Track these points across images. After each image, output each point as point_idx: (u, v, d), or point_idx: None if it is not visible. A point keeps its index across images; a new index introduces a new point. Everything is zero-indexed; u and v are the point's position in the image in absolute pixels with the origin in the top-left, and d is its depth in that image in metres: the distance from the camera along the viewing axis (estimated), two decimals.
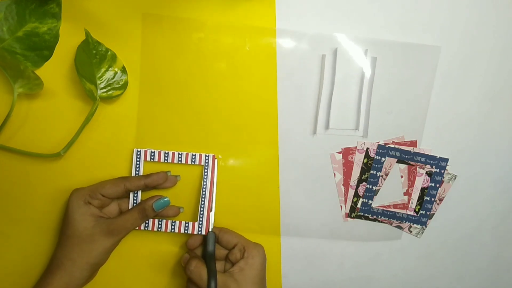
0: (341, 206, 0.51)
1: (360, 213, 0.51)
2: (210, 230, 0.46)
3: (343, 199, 0.51)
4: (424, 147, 0.50)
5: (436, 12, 0.48)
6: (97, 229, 0.42)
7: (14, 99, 0.43)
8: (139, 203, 0.45)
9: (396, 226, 0.52)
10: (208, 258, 0.44)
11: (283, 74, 0.47)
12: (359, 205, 0.51)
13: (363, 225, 0.52)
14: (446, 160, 0.50)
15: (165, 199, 0.44)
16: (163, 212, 0.46)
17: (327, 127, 0.49)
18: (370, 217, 0.51)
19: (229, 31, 0.46)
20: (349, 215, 0.51)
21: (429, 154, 0.50)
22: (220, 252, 0.47)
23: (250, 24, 0.46)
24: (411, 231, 0.52)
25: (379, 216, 0.51)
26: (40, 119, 0.46)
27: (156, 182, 0.45)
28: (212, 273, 0.42)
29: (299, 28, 0.47)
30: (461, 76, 0.49)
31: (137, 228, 0.46)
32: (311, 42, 0.47)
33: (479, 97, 0.50)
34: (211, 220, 0.46)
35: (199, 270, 0.43)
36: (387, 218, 0.51)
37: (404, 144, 0.50)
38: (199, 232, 0.47)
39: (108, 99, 0.45)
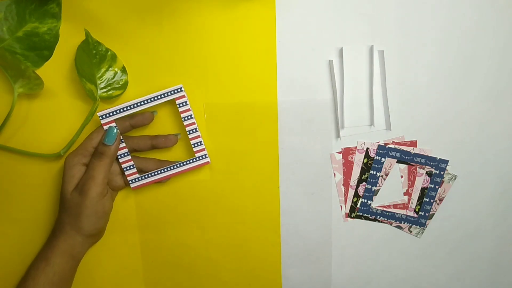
0: (341, 206, 0.51)
1: (359, 213, 0.51)
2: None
3: (343, 199, 0.51)
4: (424, 147, 0.50)
5: (437, 12, 0.48)
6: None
7: (14, 99, 0.43)
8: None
9: (396, 226, 0.52)
10: None
11: (284, 75, 0.47)
12: (358, 205, 0.51)
13: (363, 225, 0.52)
14: (446, 161, 0.50)
15: (111, 128, 0.43)
16: (166, 142, 0.45)
17: (342, 126, 0.48)
18: (370, 217, 0.51)
19: (229, 32, 0.46)
20: (349, 215, 0.51)
21: (429, 155, 0.50)
22: None
23: (250, 24, 0.46)
24: (411, 231, 0.52)
25: (379, 217, 0.51)
26: (40, 119, 0.46)
27: (142, 122, 0.45)
28: None
29: (299, 28, 0.47)
30: (461, 76, 0.49)
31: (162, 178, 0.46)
32: (312, 43, 0.47)
33: (479, 97, 0.50)
34: None
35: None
36: (386, 219, 0.51)
37: (404, 144, 0.50)
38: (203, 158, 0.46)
39: (108, 99, 0.45)
